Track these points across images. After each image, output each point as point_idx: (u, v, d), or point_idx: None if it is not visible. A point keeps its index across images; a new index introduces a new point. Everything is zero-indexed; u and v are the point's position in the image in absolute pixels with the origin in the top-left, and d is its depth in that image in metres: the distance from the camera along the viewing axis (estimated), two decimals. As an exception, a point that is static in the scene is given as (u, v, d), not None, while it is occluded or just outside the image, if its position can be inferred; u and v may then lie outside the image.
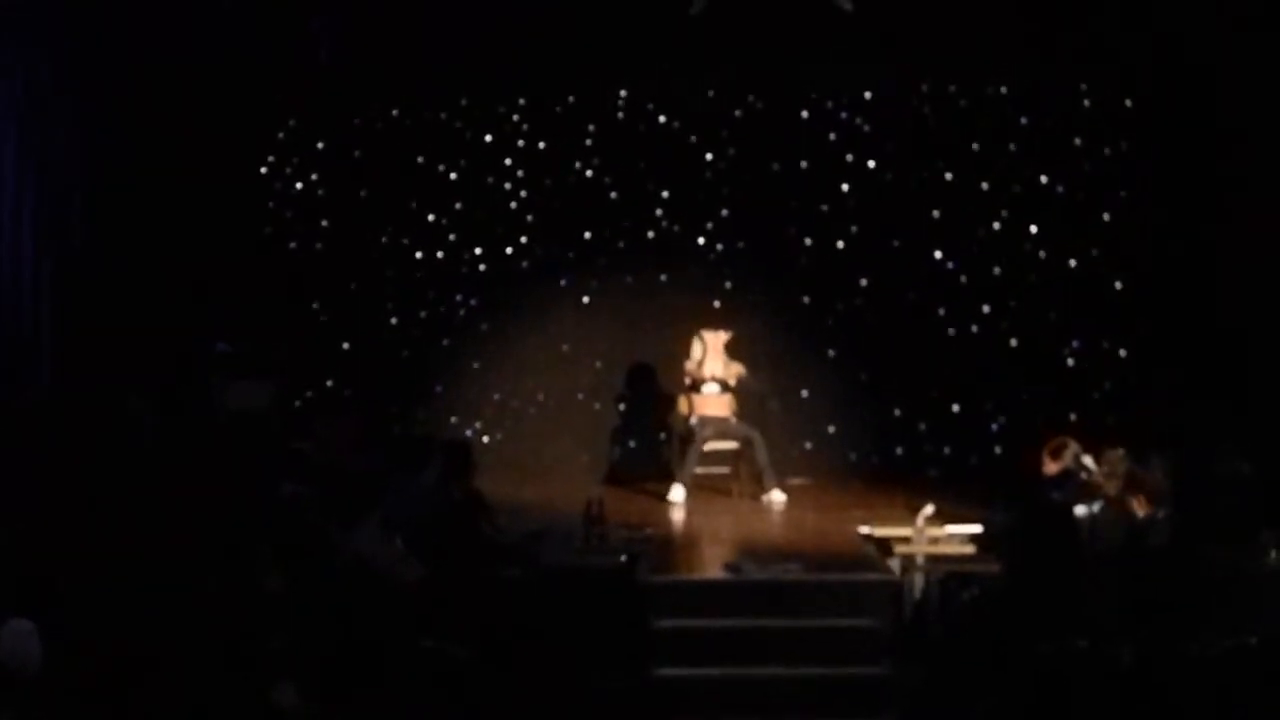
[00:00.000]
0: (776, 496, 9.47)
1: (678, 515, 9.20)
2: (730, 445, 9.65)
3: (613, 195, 10.68)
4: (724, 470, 9.71)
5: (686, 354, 9.76)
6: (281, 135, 10.55)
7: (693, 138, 10.61)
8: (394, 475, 7.49)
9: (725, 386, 9.67)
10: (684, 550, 8.31)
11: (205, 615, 5.72)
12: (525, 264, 10.72)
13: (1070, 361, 10.35)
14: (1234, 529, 6.53)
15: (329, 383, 10.65)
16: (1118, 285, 10.29)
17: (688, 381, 9.73)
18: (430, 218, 10.69)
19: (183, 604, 5.74)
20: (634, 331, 10.61)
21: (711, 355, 9.68)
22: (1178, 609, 6.05)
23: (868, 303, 10.58)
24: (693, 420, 9.65)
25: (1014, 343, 10.46)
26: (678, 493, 9.44)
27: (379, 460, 8.33)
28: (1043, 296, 10.36)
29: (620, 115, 10.64)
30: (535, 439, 10.70)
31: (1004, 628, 6.13)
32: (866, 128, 10.51)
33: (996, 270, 10.46)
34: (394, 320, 10.72)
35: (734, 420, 9.67)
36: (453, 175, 10.69)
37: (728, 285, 10.64)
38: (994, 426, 10.42)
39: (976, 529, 7.74)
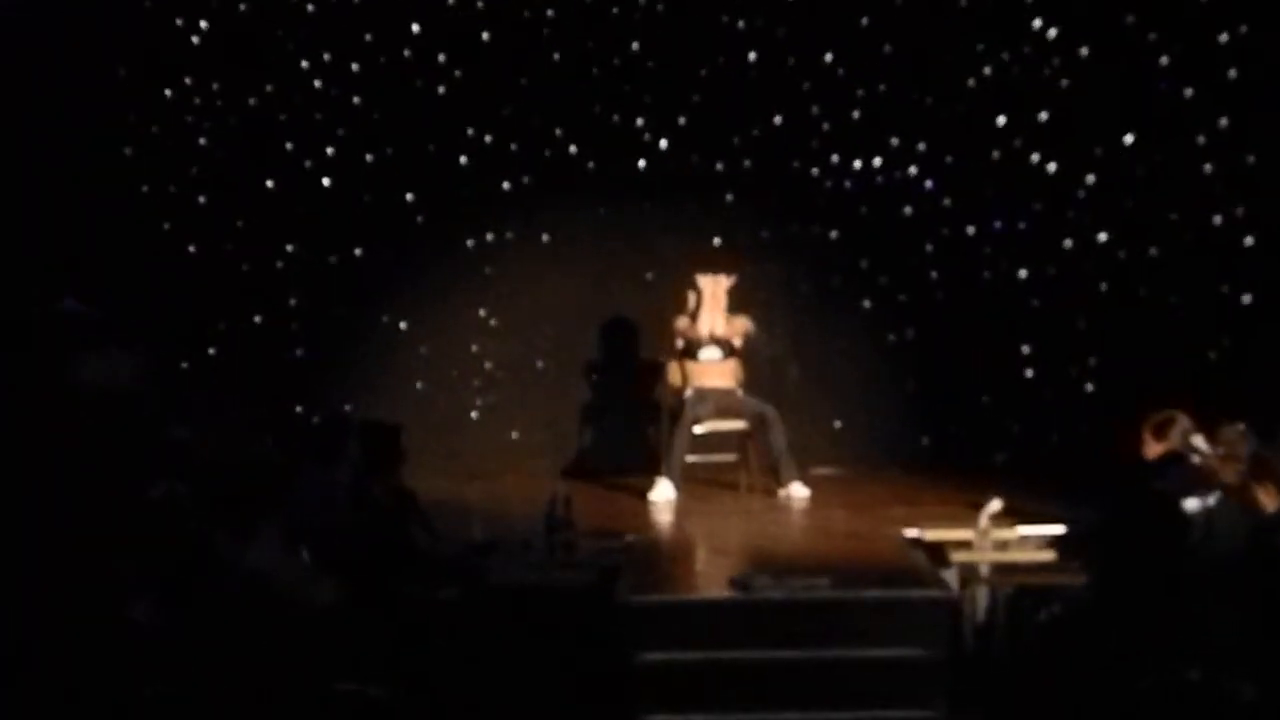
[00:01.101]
0: (797, 491, 9.52)
1: (667, 518, 9.22)
2: (736, 426, 9.66)
3: (580, 101, 10.66)
4: (728, 458, 9.73)
5: (679, 308, 9.75)
6: (138, 30, 10.47)
7: (684, 24, 10.55)
8: (298, 470, 7.52)
9: (729, 349, 9.68)
10: (677, 563, 8.32)
11: (56, 652, 5.71)
12: (465, 193, 10.69)
13: (1180, 311, 10.33)
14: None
15: (211, 351, 10.66)
16: (1239, 211, 10.25)
17: (679, 343, 9.75)
18: (339, 133, 10.65)
19: (25, 639, 5.74)
20: (609, 279, 10.63)
21: (710, 308, 9.67)
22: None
23: (914, 237, 10.56)
24: (687, 393, 9.66)
25: (1104, 287, 10.45)
26: (664, 489, 9.46)
27: (278, 451, 8.27)
28: (1142, 227, 10.33)
29: (587, -4, 10.59)
30: (481, 420, 10.73)
31: (1093, 657, 6.19)
32: (908, 7, 10.47)
33: (1081, 194, 10.44)
34: (294, 268, 10.73)
35: (740, 393, 9.69)
36: (363, 75, 10.66)
37: (731, 217, 10.63)
38: (1080, 396, 10.42)
39: (1058, 530, 7.79)
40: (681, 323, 9.71)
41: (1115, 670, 6.18)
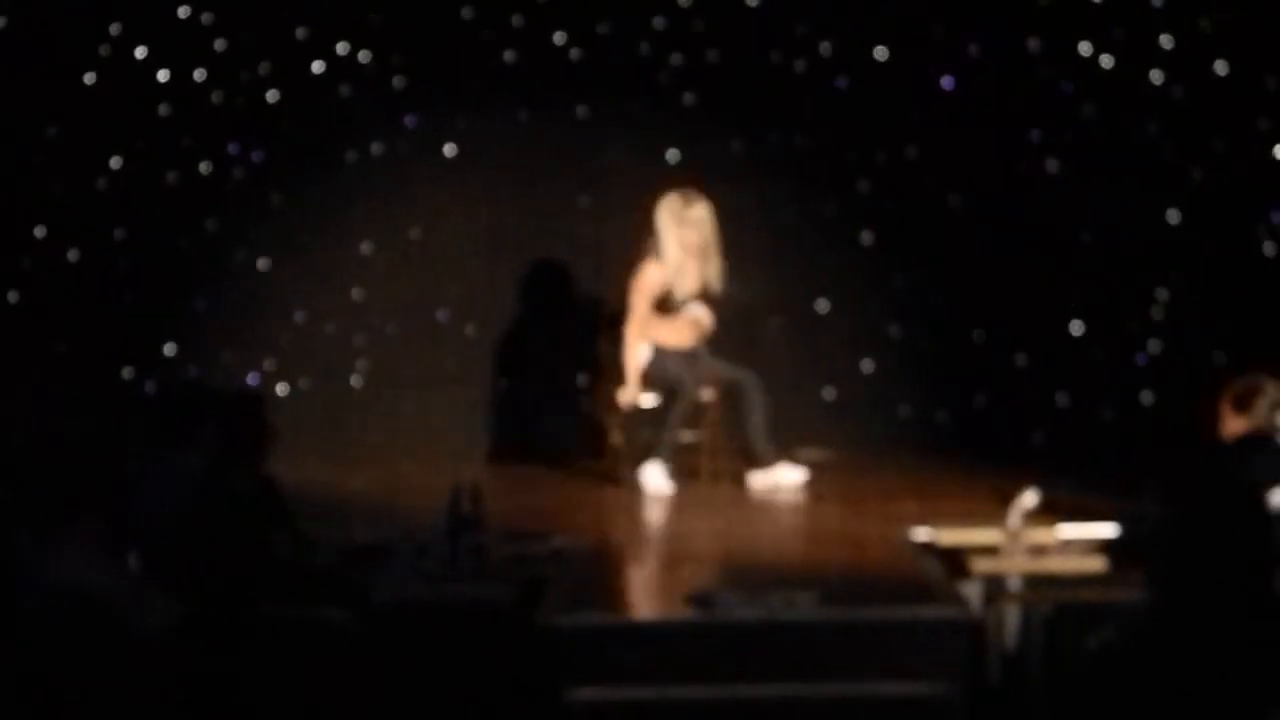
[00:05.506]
0: (787, 475, 9.56)
1: (607, 516, 9.25)
2: (701, 395, 9.67)
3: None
4: (688, 436, 9.74)
5: (637, 245, 9.61)
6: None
7: None
8: (127, 452, 7.56)
9: (705, 295, 9.64)
10: (618, 574, 8.34)
11: None
12: (345, 90, 10.70)
13: (1268, 247, 10.34)
14: None
15: (13, 297, 10.63)
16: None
17: (646, 296, 9.59)
18: (181, 11, 10.61)
19: None
20: (533, 205, 10.65)
21: (685, 240, 9.49)
22: None
23: (929, 152, 10.59)
24: (642, 349, 9.60)
25: (1174, 219, 10.46)
26: (653, 476, 9.43)
27: (100, 427, 8.41)
28: (1226, 141, 10.31)
29: None
30: (366, 389, 10.77)
31: (1154, 694, 6.23)
32: None
33: (1145, 93, 10.42)
34: (121, 188, 10.69)
35: (707, 353, 9.71)
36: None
37: (692, 125, 10.65)
38: (1140, 358, 10.46)
39: (1110, 531, 7.81)
40: (652, 272, 9.49)
41: (1181, 711, 6.23)
